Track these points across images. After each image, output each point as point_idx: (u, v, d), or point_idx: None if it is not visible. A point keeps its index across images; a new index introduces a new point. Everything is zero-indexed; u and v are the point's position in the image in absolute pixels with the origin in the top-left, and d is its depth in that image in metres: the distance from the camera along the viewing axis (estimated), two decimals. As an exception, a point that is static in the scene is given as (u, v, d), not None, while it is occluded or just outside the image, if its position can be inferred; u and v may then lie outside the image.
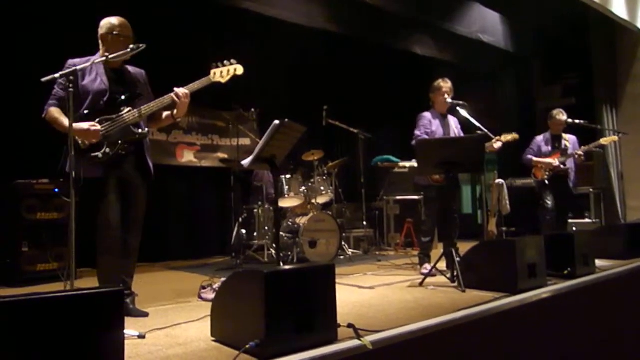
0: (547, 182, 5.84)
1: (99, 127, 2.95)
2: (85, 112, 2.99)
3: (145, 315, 3.09)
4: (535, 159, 5.97)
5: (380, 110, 8.30)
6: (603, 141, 6.13)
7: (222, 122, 7.01)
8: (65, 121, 2.81)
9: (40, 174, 4.66)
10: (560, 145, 5.93)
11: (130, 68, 3.29)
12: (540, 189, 5.91)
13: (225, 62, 3.20)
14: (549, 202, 5.79)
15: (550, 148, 5.96)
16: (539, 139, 6.07)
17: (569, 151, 5.86)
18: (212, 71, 3.19)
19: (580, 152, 5.81)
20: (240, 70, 3.22)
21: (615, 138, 6.54)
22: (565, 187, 5.87)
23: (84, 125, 2.91)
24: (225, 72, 3.19)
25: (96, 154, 2.98)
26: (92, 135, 2.93)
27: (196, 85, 3.17)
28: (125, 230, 3.13)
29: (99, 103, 3.04)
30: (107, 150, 3.00)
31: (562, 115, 5.93)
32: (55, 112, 2.98)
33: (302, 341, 2.18)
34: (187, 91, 3.13)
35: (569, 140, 5.96)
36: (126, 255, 3.15)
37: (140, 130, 3.14)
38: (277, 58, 6.82)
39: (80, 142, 2.95)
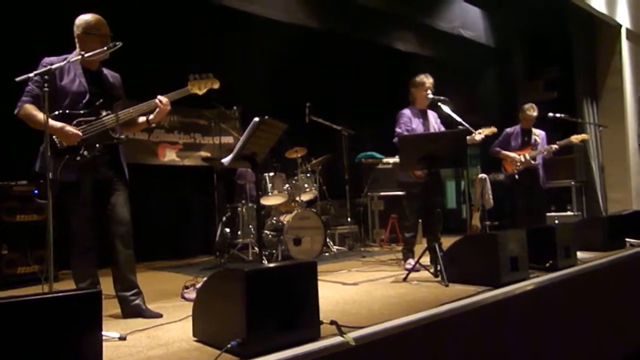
0: (517, 176, 5.89)
1: (79, 132, 2.90)
2: (64, 111, 2.94)
3: (159, 315, 3.02)
4: (503, 152, 6.01)
5: (363, 107, 8.30)
6: (573, 139, 6.06)
7: (204, 121, 6.97)
8: (42, 118, 2.73)
9: (18, 175, 4.58)
10: (530, 140, 5.97)
11: (106, 71, 3.24)
12: (511, 184, 5.97)
13: (202, 74, 3.23)
14: (520, 200, 5.90)
15: (519, 142, 6.00)
16: (509, 131, 6.10)
17: (539, 147, 5.90)
18: (190, 82, 3.22)
19: (555, 147, 5.85)
20: (216, 84, 3.28)
21: (587, 136, 6.49)
22: (535, 183, 5.93)
23: (58, 124, 2.85)
24: (202, 85, 3.23)
25: (73, 156, 2.93)
26: (70, 138, 2.88)
27: (174, 95, 3.19)
28: (115, 228, 3.06)
29: (77, 104, 2.99)
30: (85, 152, 2.95)
31: (532, 111, 5.96)
32: (30, 108, 2.89)
33: (284, 339, 2.17)
34: (167, 99, 3.14)
35: (539, 135, 5.99)
36: (122, 254, 3.06)
37: (118, 135, 3.12)
38: (259, 55, 6.77)
39: (58, 142, 2.90)
